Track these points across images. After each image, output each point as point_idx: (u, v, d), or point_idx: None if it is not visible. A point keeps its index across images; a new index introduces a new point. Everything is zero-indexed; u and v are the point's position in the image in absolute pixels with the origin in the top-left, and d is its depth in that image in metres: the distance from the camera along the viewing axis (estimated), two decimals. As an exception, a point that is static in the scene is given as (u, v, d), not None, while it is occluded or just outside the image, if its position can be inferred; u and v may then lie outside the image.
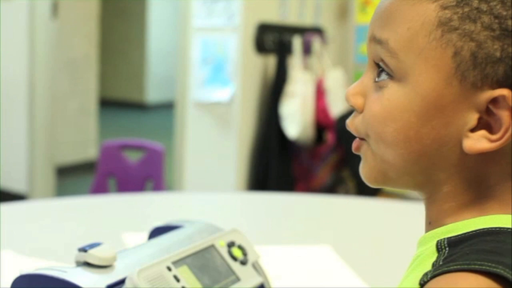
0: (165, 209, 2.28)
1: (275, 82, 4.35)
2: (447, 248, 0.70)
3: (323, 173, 4.27)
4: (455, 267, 0.65)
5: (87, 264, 1.02)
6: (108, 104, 10.11)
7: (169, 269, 1.03)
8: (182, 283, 1.03)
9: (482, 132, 0.70)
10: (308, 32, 4.53)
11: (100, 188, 3.16)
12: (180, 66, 4.63)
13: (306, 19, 4.76)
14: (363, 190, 3.97)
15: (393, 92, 0.73)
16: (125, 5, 11.02)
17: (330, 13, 5.04)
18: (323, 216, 2.33)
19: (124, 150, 3.31)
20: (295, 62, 4.34)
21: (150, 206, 2.33)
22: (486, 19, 0.69)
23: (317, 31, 4.67)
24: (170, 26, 10.63)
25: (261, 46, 4.37)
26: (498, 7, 0.69)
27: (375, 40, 0.76)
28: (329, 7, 5.02)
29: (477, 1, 0.69)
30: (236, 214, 2.33)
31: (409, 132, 0.72)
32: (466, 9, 0.69)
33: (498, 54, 0.68)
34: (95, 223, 2.05)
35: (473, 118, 0.70)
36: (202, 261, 1.11)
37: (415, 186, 0.77)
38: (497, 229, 0.70)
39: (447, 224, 0.73)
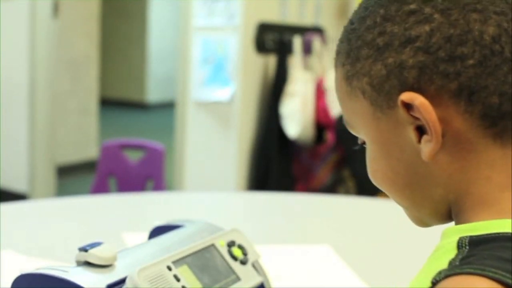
0: (166, 208, 2.28)
1: (275, 82, 4.35)
2: (467, 247, 0.70)
3: (323, 173, 4.27)
4: (469, 270, 0.65)
5: (88, 264, 1.02)
6: (109, 104, 10.11)
7: (169, 268, 1.04)
8: (182, 283, 1.03)
9: (424, 137, 0.74)
10: (308, 31, 4.53)
11: (100, 188, 3.16)
12: (180, 66, 4.64)
13: (306, 19, 4.77)
14: (363, 189, 3.97)
15: (367, 150, 0.81)
16: (125, 5, 11.02)
17: (330, 13, 5.05)
18: (323, 215, 2.33)
19: (125, 149, 3.32)
20: (295, 61, 4.34)
21: (151, 205, 2.33)
22: (363, 52, 0.77)
23: (317, 30, 4.67)
24: (171, 26, 10.63)
25: (261, 46, 4.37)
26: (365, 34, 0.77)
27: None
28: (329, 7, 5.03)
29: (354, 41, 0.78)
30: (236, 214, 2.33)
31: (388, 175, 0.79)
32: (352, 54, 0.78)
33: (384, 72, 0.74)
34: (96, 223, 2.05)
35: (411, 132, 0.74)
36: (202, 260, 1.12)
37: (435, 213, 0.80)
38: None
39: (471, 221, 0.73)
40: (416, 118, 0.73)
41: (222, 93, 4.34)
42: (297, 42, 4.36)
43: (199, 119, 4.47)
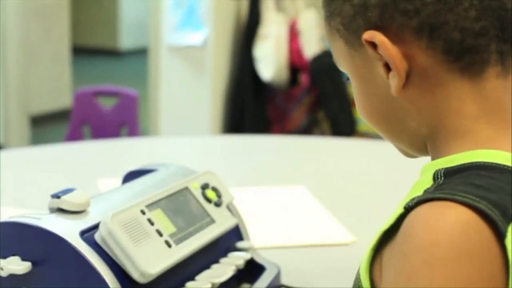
0: (140, 154, 2.27)
1: (248, 25, 4.32)
2: (442, 178, 0.71)
3: (298, 115, 4.28)
4: (439, 195, 0.67)
5: (61, 210, 1.02)
6: (81, 52, 10.00)
7: (143, 212, 1.04)
8: (156, 226, 1.03)
9: (391, 73, 0.76)
10: (280, -27, 4.48)
11: (75, 136, 3.14)
12: (152, 10, 4.59)
13: (278, -40, 4.71)
14: (338, 131, 3.98)
15: (353, 86, 0.84)
16: (94, -50, 10.84)
17: (302, -47, 4.99)
18: (298, 157, 2.34)
19: (98, 97, 3.29)
20: (268, 3, 4.30)
21: (125, 152, 2.32)
22: None
23: (289, -29, 4.62)
24: (141, -30, 10.48)
25: (233, -12, 4.32)
26: None
27: None
28: None
29: None
30: (211, 157, 2.33)
31: (368, 109, 0.82)
32: None
33: (351, 11, 0.77)
34: (70, 171, 2.05)
35: (381, 68, 0.77)
36: (176, 204, 1.12)
37: (414, 145, 0.82)
38: (494, 164, 0.71)
39: (446, 155, 0.75)
40: (382, 56, 0.76)
41: (195, 37, 4.31)
42: (269, -17, 4.32)
43: (173, 64, 4.43)
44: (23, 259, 0.98)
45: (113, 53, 10.80)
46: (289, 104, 4.29)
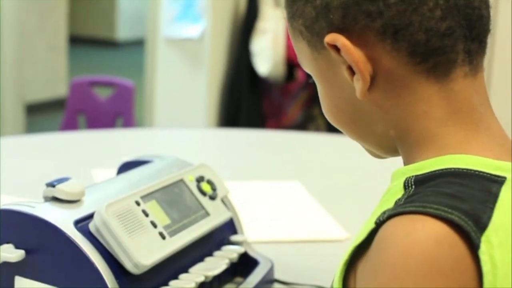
0: (135, 145, 2.27)
1: (246, 19, 4.31)
2: (413, 187, 0.70)
3: (294, 111, 4.27)
4: (411, 208, 0.65)
5: (55, 199, 1.02)
6: (78, 41, 9.98)
7: (137, 203, 1.04)
8: (150, 218, 1.03)
9: (355, 76, 0.74)
10: (280, -32, 4.48)
11: (70, 125, 3.14)
12: (150, 2, 4.58)
13: (278, -45, 4.71)
14: (333, 127, 3.97)
15: (318, 88, 0.82)
16: None
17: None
18: (293, 152, 2.34)
19: (94, 86, 3.29)
20: (266, -2, 4.30)
21: (120, 142, 2.32)
22: None
23: (289, -33, 4.62)
24: (140, -38, 10.46)
25: (232, -18, 4.32)
26: None
27: None
28: None
29: None
30: (206, 151, 2.33)
31: (334, 111, 0.81)
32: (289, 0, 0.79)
33: (313, 13, 0.75)
34: (65, 160, 2.04)
35: (345, 71, 0.75)
36: (171, 195, 1.12)
37: (382, 147, 0.81)
38: (464, 170, 0.69)
39: (416, 162, 0.73)
40: (345, 60, 0.74)
41: (192, 30, 4.30)
42: (268, -22, 4.31)
43: (169, 56, 4.43)
44: (17, 247, 0.98)
45: (110, 44, 10.78)
46: (285, 99, 4.29)
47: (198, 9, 4.27)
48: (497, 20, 3.40)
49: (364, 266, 0.68)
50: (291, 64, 4.25)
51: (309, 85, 4.20)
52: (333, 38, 0.73)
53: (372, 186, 1.89)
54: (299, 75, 4.27)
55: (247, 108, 4.26)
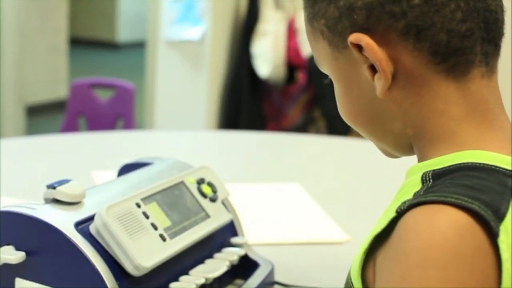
0: (136, 147, 2.27)
1: (247, 21, 4.32)
2: (431, 180, 0.72)
3: (294, 113, 4.27)
4: (432, 198, 0.67)
5: (56, 201, 1.02)
6: (79, 43, 9.98)
7: (138, 205, 1.04)
8: (151, 220, 1.03)
9: (376, 75, 0.76)
10: (280, -30, 4.48)
11: (70, 127, 3.14)
12: (151, 4, 4.58)
13: (278, -43, 4.70)
14: (334, 129, 3.98)
15: (334, 88, 0.84)
16: None
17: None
18: (293, 154, 2.34)
19: (95, 88, 3.29)
20: (267, 1, 4.30)
21: (121, 144, 2.32)
22: None
23: (289, -31, 4.62)
24: (141, -36, 10.46)
25: (232, -16, 4.32)
26: None
27: None
28: None
29: None
30: (207, 153, 2.33)
31: (351, 111, 0.82)
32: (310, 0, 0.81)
33: (336, 13, 0.77)
34: (65, 162, 2.04)
35: (366, 70, 0.77)
36: (171, 198, 1.12)
37: (399, 146, 0.82)
38: (481, 165, 0.71)
39: (432, 157, 0.75)
40: (368, 59, 0.76)
41: (193, 32, 4.30)
42: (268, -20, 4.31)
43: (170, 58, 4.43)
44: (17, 249, 0.98)
45: (110, 46, 10.78)
46: (285, 102, 4.29)
47: (199, 11, 4.27)
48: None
49: (385, 255, 0.69)
50: (292, 66, 4.26)
51: (310, 87, 4.20)
52: (357, 37, 0.75)
53: (372, 189, 1.90)
54: (299, 78, 4.27)
55: (247, 110, 4.26)
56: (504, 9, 0.78)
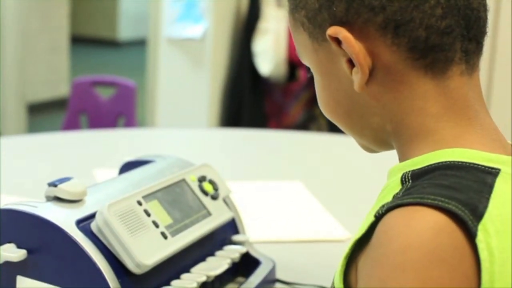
0: (137, 145, 2.27)
1: (248, 19, 4.31)
2: (410, 181, 0.71)
3: (295, 111, 4.27)
4: (409, 200, 0.67)
5: (57, 199, 1.02)
6: (80, 41, 9.99)
7: (139, 203, 1.04)
8: (152, 217, 1.03)
9: (354, 69, 0.75)
10: (282, -32, 4.48)
11: (71, 125, 3.14)
12: (152, 2, 4.58)
13: (280, -45, 4.70)
14: (335, 127, 3.97)
15: (315, 80, 0.84)
16: None
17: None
18: (295, 152, 2.34)
19: (96, 86, 3.29)
20: (268, -2, 4.30)
21: (122, 142, 2.32)
22: None
23: (291, -33, 4.61)
24: (142, -38, 10.45)
25: (234, -18, 4.32)
26: None
27: None
28: None
29: None
30: (208, 151, 2.33)
31: (330, 104, 0.82)
32: None
33: (316, 5, 0.76)
34: (67, 160, 2.05)
35: (344, 63, 0.76)
36: (172, 195, 1.12)
37: (377, 141, 0.82)
38: (460, 163, 0.71)
39: (412, 157, 0.75)
40: (346, 52, 0.75)
41: (194, 30, 4.30)
42: (270, -22, 4.31)
43: (171, 56, 4.42)
44: (19, 247, 0.98)
45: (112, 44, 10.78)
46: (286, 99, 4.29)
47: (200, 9, 4.27)
48: (498, 21, 3.39)
49: (365, 259, 0.69)
50: (293, 64, 4.25)
51: (311, 85, 4.19)
52: (335, 30, 0.74)
53: (373, 186, 1.89)
54: (300, 75, 4.27)
55: (249, 108, 4.26)
56: (488, 8, 0.77)
